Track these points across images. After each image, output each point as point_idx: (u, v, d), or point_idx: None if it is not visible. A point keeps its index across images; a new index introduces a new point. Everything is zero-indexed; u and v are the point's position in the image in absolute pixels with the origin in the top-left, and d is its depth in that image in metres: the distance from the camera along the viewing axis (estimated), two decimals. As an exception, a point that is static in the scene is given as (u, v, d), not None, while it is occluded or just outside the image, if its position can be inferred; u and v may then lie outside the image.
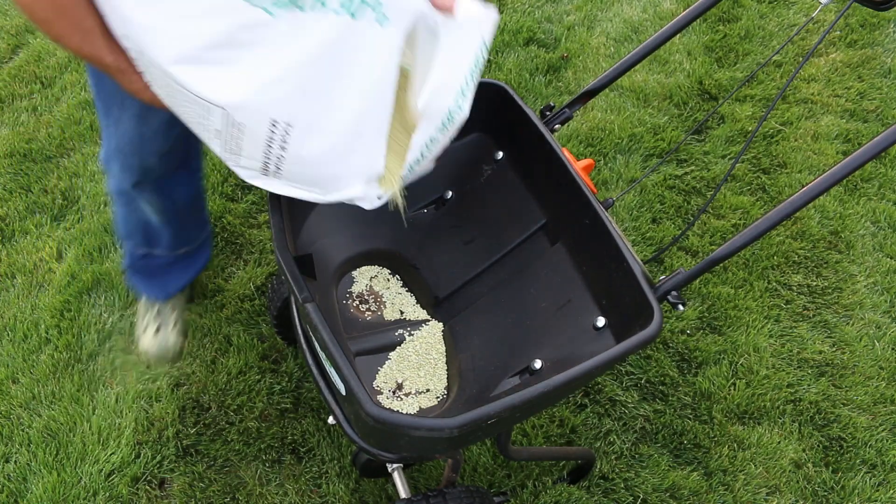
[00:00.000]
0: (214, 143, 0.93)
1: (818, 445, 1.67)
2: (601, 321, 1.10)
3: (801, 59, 2.63)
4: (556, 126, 1.31)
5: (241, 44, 0.83)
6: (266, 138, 0.88)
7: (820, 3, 1.31)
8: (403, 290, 1.29)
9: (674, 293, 1.03)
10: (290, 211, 1.15)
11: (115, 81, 1.15)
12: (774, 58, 2.62)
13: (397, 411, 0.94)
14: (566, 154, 1.17)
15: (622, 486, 1.57)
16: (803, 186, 1.03)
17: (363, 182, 0.93)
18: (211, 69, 0.84)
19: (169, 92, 0.91)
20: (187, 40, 0.83)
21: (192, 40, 0.83)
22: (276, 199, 1.05)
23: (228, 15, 0.82)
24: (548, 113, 1.32)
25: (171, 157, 1.40)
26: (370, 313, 1.24)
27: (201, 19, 0.82)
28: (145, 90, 0.98)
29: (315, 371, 1.03)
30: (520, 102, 1.22)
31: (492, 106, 1.22)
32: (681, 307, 1.03)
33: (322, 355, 0.98)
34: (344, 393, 0.88)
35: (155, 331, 1.73)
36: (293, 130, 0.87)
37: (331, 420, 1.12)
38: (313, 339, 1.01)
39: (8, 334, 1.78)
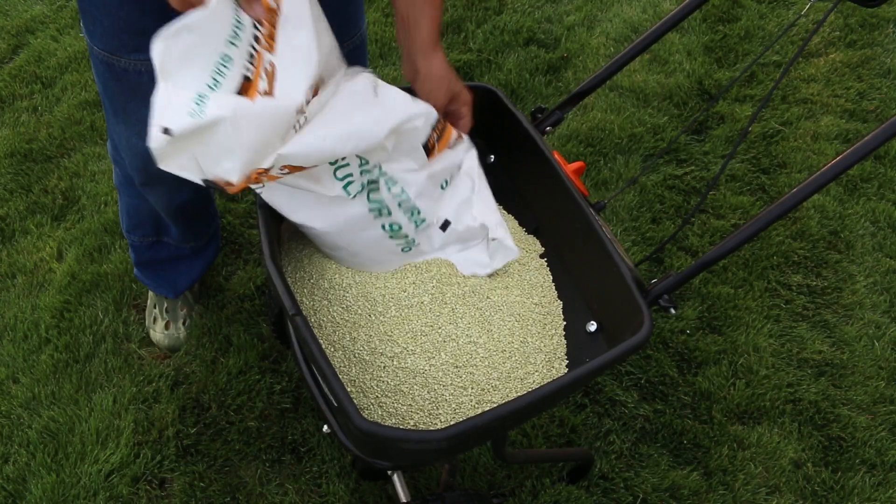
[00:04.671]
0: None
1: (818, 445, 1.67)
2: (593, 326, 1.10)
3: (800, 58, 2.63)
4: (548, 128, 1.30)
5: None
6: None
7: (809, 1, 1.31)
8: None
9: (665, 296, 1.03)
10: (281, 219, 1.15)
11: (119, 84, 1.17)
12: (774, 58, 2.63)
13: (386, 424, 0.94)
14: (556, 157, 1.17)
15: (622, 485, 1.57)
16: (793, 187, 1.03)
17: None
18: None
19: None
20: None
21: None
22: (264, 208, 1.05)
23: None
24: (539, 115, 1.31)
25: None
26: None
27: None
28: None
29: (309, 379, 1.03)
30: (509, 105, 1.22)
31: (482, 109, 1.22)
32: (672, 311, 1.03)
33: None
34: (335, 405, 0.88)
35: (164, 326, 1.76)
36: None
37: (325, 429, 1.12)
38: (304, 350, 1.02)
39: (9, 334, 1.78)
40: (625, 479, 1.58)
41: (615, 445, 1.63)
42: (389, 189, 1.08)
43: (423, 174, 1.09)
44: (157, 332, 1.76)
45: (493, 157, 1.30)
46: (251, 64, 0.85)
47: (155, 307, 1.78)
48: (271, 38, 0.87)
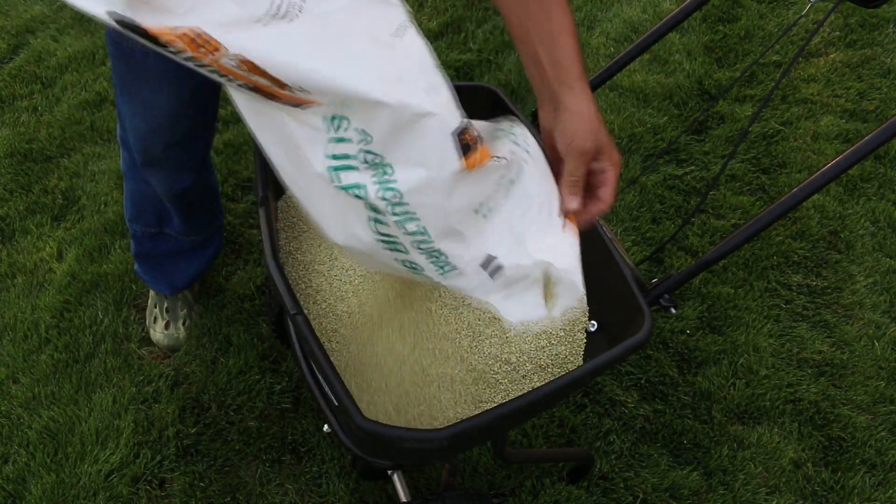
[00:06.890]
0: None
1: (818, 445, 1.67)
2: (593, 325, 1.10)
3: (800, 58, 2.63)
4: None
5: None
6: None
7: (809, 2, 1.31)
8: None
9: (666, 296, 1.03)
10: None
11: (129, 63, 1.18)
12: (774, 58, 2.63)
13: (387, 424, 0.94)
14: None
15: (622, 485, 1.57)
16: (793, 187, 1.03)
17: None
18: None
19: None
20: None
21: None
22: (265, 206, 1.04)
23: None
24: None
25: (178, 151, 1.40)
26: None
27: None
28: None
29: (309, 379, 1.03)
30: (510, 105, 1.22)
31: (482, 109, 1.22)
32: (673, 310, 1.03)
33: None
34: (336, 404, 0.88)
35: (164, 325, 1.76)
36: None
37: (326, 428, 1.12)
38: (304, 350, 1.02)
39: (9, 334, 1.78)
40: (625, 479, 1.58)
41: (615, 445, 1.63)
42: (402, 226, 0.79)
43: (451, 203, 0.78)
44: (157, 332, 1.76)
45: None
46: None
47: (155, 307, 1.78)
48: None
